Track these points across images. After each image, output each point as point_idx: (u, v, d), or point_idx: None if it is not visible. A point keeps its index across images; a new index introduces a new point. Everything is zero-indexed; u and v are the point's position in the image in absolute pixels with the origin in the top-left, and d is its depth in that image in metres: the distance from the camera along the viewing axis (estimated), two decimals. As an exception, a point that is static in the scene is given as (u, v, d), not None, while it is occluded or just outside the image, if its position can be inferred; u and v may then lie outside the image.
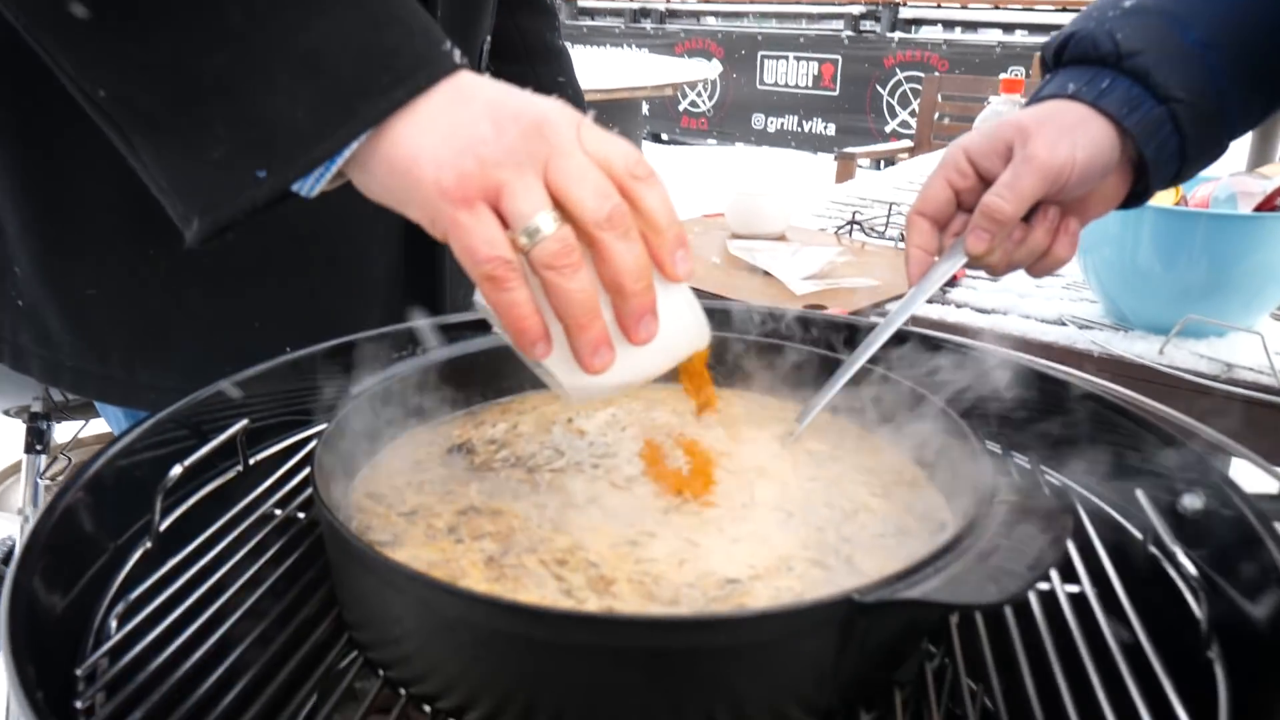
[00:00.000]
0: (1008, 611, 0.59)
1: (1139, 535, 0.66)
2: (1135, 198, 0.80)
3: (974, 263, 0.78)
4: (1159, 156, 0.74)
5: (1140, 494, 0.65)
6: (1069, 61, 0.77)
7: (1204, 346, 1.24)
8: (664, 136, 9.40)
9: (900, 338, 0.89)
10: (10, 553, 1.98)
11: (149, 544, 0.66)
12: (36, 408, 1.50)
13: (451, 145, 0.52)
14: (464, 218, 0.51)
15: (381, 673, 0.54)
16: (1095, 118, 0.73)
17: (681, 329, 0.59)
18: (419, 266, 0.99)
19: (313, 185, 0.55)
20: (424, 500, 0.65)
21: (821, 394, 0.74)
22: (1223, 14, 0.74)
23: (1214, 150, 0.78)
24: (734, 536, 0.60)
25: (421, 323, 0.89)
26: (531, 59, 1.22)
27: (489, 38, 1.01)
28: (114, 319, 0.90)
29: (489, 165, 0.51)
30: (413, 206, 0.54)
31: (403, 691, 0.52)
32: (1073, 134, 0.73)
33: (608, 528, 0.60)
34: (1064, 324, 1.36)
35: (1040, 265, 0.80)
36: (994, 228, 0.74)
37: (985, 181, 0.76)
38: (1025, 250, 0.78)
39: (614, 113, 5.87)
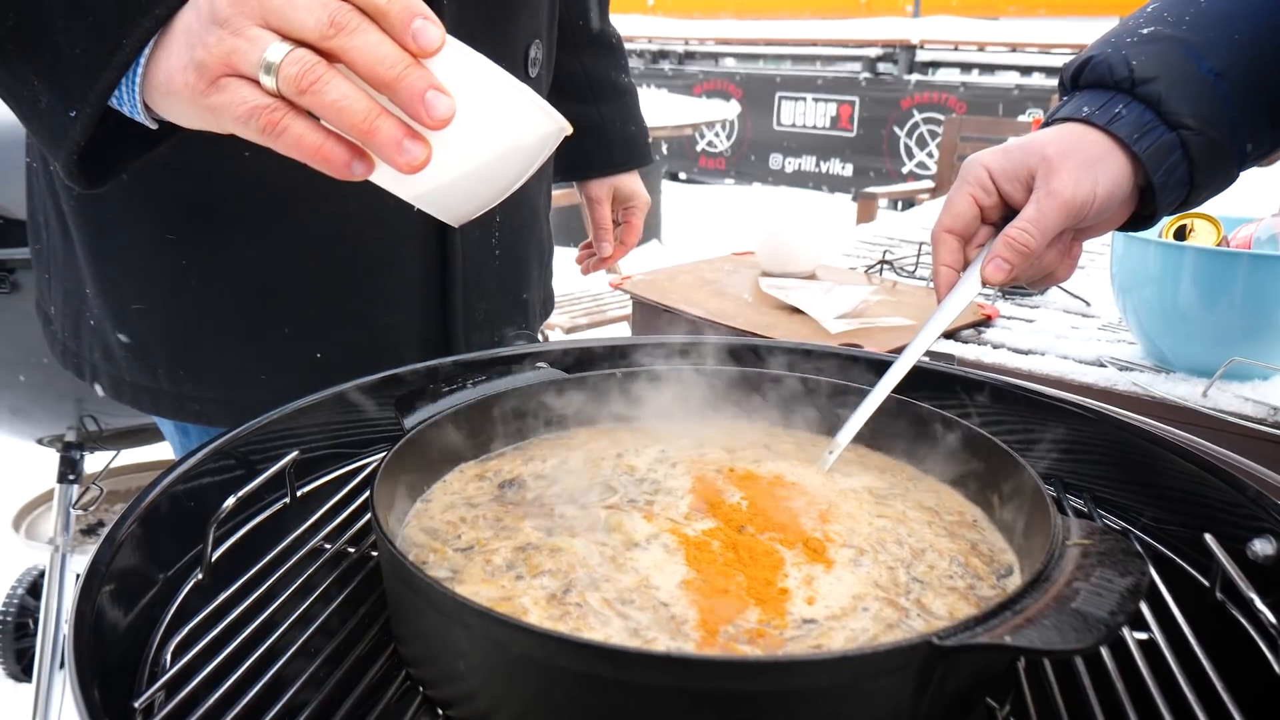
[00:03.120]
0: (1078, 660, 0.57)
1: (1204, 581, 0.65)
2: (1142, 220, 0.80)
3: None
4: (1167, 181, 0.74)
5: (1210, 538, 0.64)
6: (1085, 85, 0.78)
7: (1248, 389, 1.23)
8: (681, 175, 9.47)
9: (946, 381, 0.89)
10: (36, 583, 1.98)
11: (200, 575, 0.66)
12: (70, 437, 1.50)
13: (184, 47, 0.56)
14: (216, 98, 0.54)
15: (441, 712, 0.53)
16: (1115, 151, 0.73)
17: (501, 105, 0.55)
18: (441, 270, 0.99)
19: (132, 111, 0.60)
20: (479, 535, 0.65)
21: (853, 420, 0.74)
22: (1239, 45, 0.74)
23: (1223, 178, 0.78)
24: (808, 575, 0.59)
25: (468, 357, 0.89)
26: (597, 98, 1.24)
27: (536, 43, 1.00)
28: (158, 332, 0.91)
29: (210, 45, 0.54)
30: (201, 119, 0.57)
31: (463, 729, 0.51)
32: (1094, 169, 0.73)
33: (671, 566, 0.59)
34: (1103, 365, 1.35)
35: (1041, 283, 0.83)
36: (1017, 260, 0.74)
37: (1004, 202, 0.77)
38: (1033, 270, 0.79)
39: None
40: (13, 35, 0.60)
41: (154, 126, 0.62)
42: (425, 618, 0.52)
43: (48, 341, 0.99)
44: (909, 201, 4.90)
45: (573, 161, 1.25)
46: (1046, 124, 0.78)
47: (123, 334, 0.90)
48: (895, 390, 0.78)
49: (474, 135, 0.55)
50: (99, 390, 0.95)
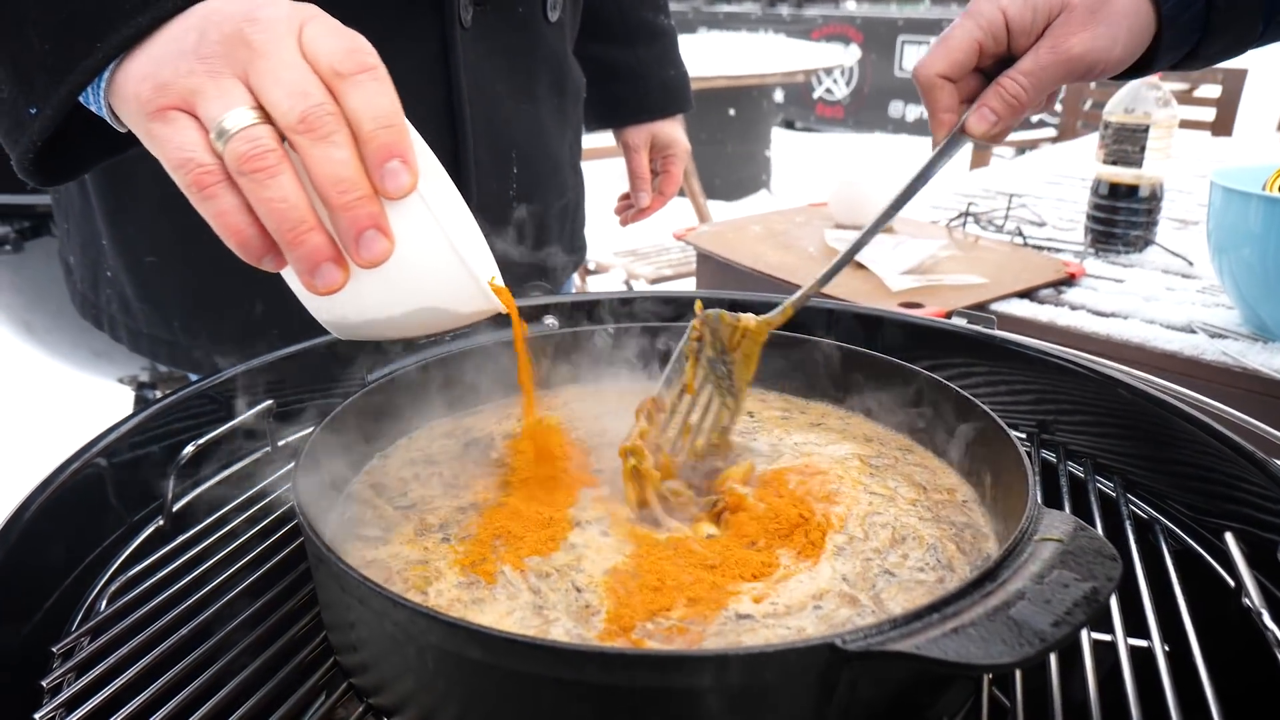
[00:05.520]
0: (1052, 670, 0.51)
1: (1233, 585, 0.57)
2: (1134, 69, 0.68)
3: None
4: (1178, 15, 0.63)
5: (1230, 539, 0.55)
6: None
7: (1359, 364, 1.08)
8: (798, 124, 9.19)
9: (977, 346, 0.81)
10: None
11: (161, 521, 0.66)
12: (144, 377, 1.57)
13: (155, 60, 0.50)
14: (157, 128, 0.48)
15: (349, 681, 0.51)
16: (1147, 5, 0.63)
17: (441, 272, 0.50)
18: None
19: (99, 109, 0.54)
20: (426, 493, 0.62)
21: (812, 284, 0.68)
22: None
23: (1241, 33, 0.65)
24: (784, 573, 0.54)
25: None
26: (633, 41, 1.18)
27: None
28: (171, 285, 0.92)
29: (182, 73, 0.48)
30: (143, 138, 0.51)
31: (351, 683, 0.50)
32: (1118, 27, 0.63)
33: (609, 552, 0.55)
34: (1193, 331, 1.22)
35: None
36: (1007, 114, 0.65)
37: (1010, 51, 0.66)
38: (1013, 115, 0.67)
39: (742, 98, 5.78)
40: None
41: (121, 129, 0.57)
42: (322, 583, 0.50)
43: (69, 291, 1.01)
44: (1032, 147, 4.58)
45: (608, 107, 1.20)
46: None
47: (138, 286, 0.92)
48: (897, 355, 0.72)
49: (401, 285, 0.50)
50: (122, 343, 0.97)
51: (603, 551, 0.55)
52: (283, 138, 0.47)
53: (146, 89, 0.49)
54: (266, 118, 0.47)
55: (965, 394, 0.64)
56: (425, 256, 0.50)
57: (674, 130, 1.21)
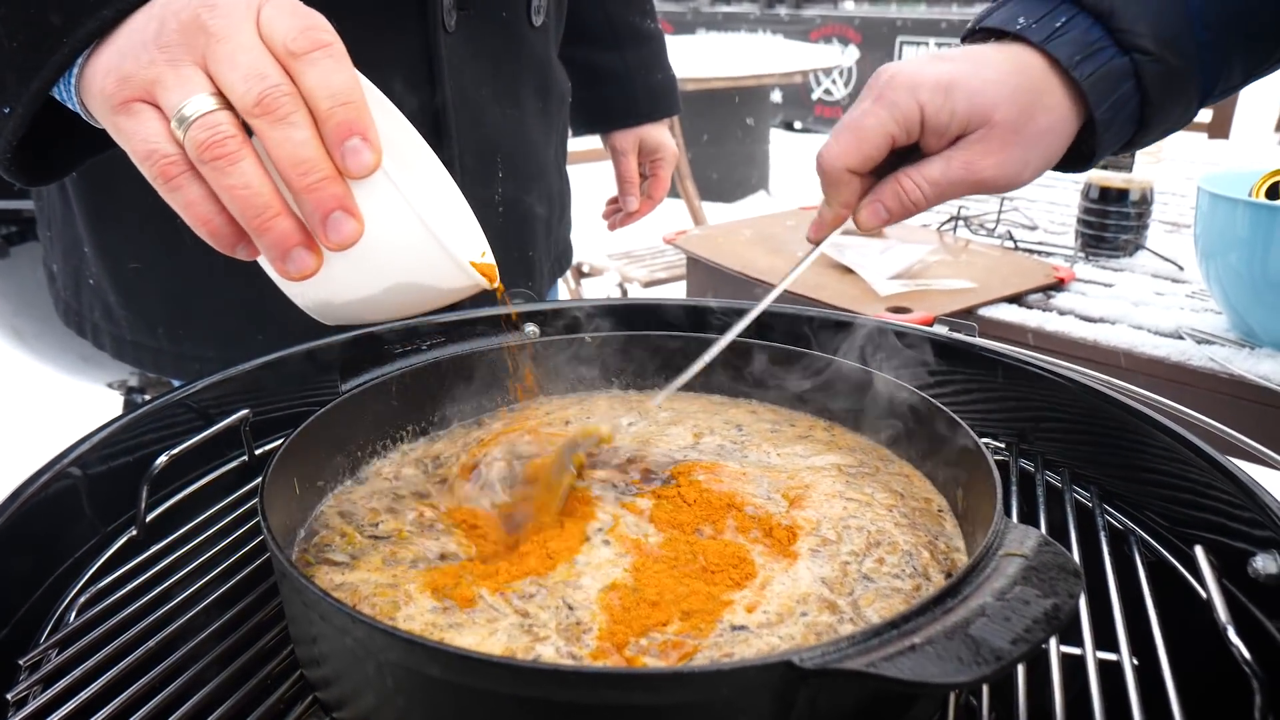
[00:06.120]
0: (1018, 683, 0.50)
1: (1205, 598, 0.56)
2: (1078, 160, 0.66)
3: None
4: (1113, 118, 0.61)
5: (1200, 551, 0.55)
6: None
7: (1345, 370, 1.08)
8: (796, 125, 9.19)
9: (956, 353, 0.81)
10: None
11: (134, 532, 0.66)
12: (133, 381, 1.57)
13: (119, 53, 0.50)
14: (122, 121, 0.48)
15: (315, 695, 0.51)
16: (1071, 113, 0.60)
17: (415, 248, 0.49)
18: None
19: (73, 105, 0.55)
20: (396, 525, 0.62)
21: (683, 374, 0.67)
22: None
23: (1179, 117, 0.63)
24: (765, 578, 0.54)
25: (450, 316, 0.86)
26: (620, 45, 1.18)
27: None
28: (156, 291, 0.92)
29: (144, 64, 0.48)
30: (112, 133, 0.50)
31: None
32: (1033, 150, 0.61)
33: (609, 568, 0.54)
34: (1181, 337, 1.22)
35: None
36: (899, 214, 0.64)
37: (917, 145, 0.64)
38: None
39: (740, 99, 5.77)
40: None
41: (98, 125, 0.56)
42: (286, 597, 0.49)
43: (52, 298, 1.01)
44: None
45: (595, 111, 1.20)
46: (971, 34, 0.65)
47: (121, 293, 0.92)
48: (874, 366, 0.72)
49: (376, 266, 0.49)
50: (106, 350, 0.97)
51: (601, 567, 0.55)
52: (245, 124, 0.47)
53: (111, 83, 0.49)
54: (227, 104, 0.46)
55: (938, 405, 0.63)
56: (397, 235, 0.49)
57: (661, 134, 1.21)
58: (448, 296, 0.53)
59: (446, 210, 0.62)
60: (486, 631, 0.49)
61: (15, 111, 0.55)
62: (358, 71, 0.52)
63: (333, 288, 0.50)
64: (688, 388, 0.75)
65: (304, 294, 0.52)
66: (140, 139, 0.47)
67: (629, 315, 0.87)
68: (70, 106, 0.55)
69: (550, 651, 0.48)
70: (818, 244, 0.68)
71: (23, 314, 1.48)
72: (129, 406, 1.65)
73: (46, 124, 0.57)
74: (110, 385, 1.62)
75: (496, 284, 0.57)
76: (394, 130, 0.59)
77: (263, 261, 0.50)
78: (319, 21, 0.48)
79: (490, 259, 0.62)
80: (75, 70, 0.53)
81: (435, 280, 0.51)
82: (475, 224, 0.64)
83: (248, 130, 0.47)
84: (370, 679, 0.44)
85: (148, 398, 1.66)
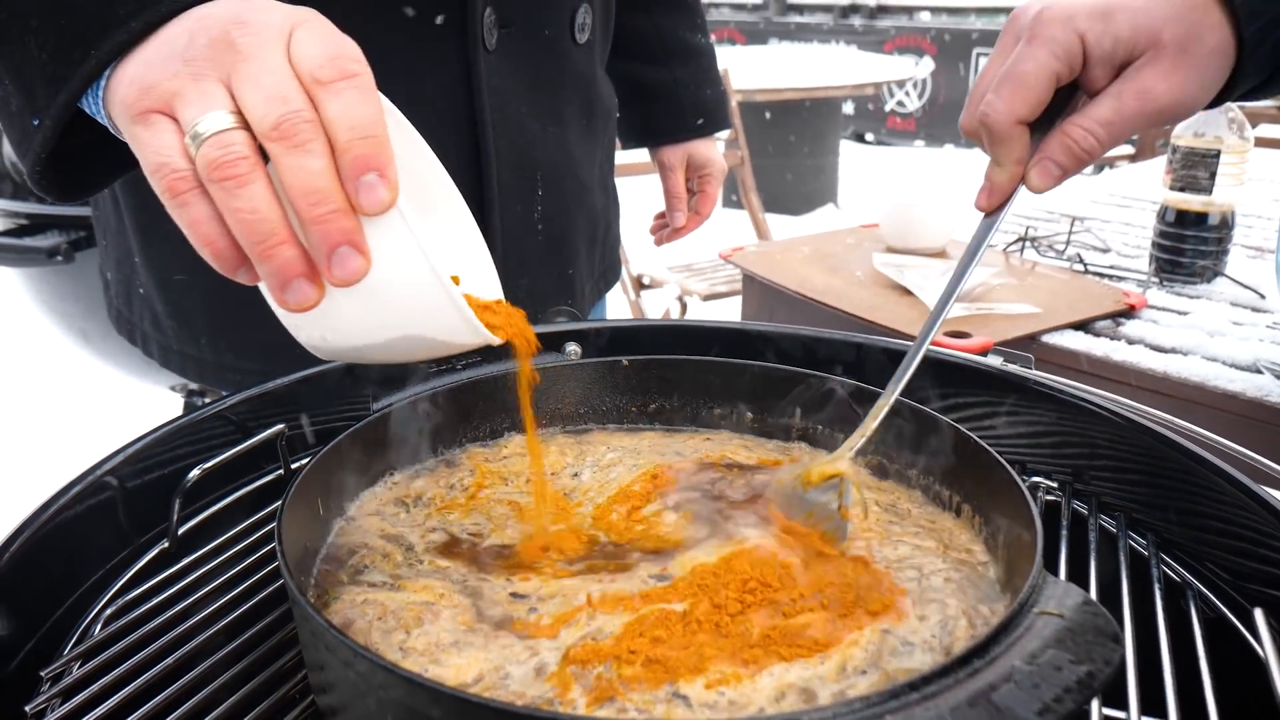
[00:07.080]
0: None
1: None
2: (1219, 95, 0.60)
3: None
4: (1260, 42, 0.55)
5: (1260, 615, 0.51)
6: None
7: None
8: (869, 137, 9.07)
9: (1009, 386, 0.77)
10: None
11: (166, 544, 0.67)
12: (194, 384, 1.60)
13: (146, 64, 0.49)
14: (138, 130, 0.47)
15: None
16: (1231, 36, 0.55)
17: (422, 298, 0.47)
18: None
19: (102, 117, 0.54)
20: (434, 538, 0.61)
21: (863, 424, 0.63)
22: None
23: None
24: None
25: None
26: (669, 60, 1.17)
27: (585, 7, 0.94)
28: (200, 303, 0.93)
29: (167, 76, 0.47)
30: (124, 135, 0.50)
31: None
32: (1206, 69, 0.56)
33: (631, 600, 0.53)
34: (1259, 371, 1.15)
35: None
36: (1073, 168, 0.58)
37: (1081, 84, 0.59)
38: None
39: (810, 110, 5.72)
40: None
41: (123, 137, 0.56)
42: (298, 624, 0.49)
43: (106, 305, 1.04)
44: (1110, 165, 4.42)
45: (643, 126, 1.19)
46: None
47: (167, 303, 0.93)
48: (926, 393, 0.69)
49: (378, 307, 0.48)
50: (154, 358, 0.99)
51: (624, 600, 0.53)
52: (262, 148, 0.46)
53: (133, 92, 0.49)
54: (246, 125, 0.46)
55: (984, 444, 0.60)
56: (404, 279, 0.47)
57: (710, 149, 1.20)
58: (451, 350, 0.52)
59: (463, 259, 0.61)
60: (516, 690, 0.48)
61: (44, 123, 0.56)
62: (390, 104, 0.51)
63: (331, 324, 0.49)
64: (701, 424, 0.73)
65: (300, 327, 0.51)
66: (153, 150, 0.47)
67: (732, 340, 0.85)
68: (100, 120, 0.55)
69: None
70: (993, 213, 0.62)
71: (90, 316, 1.52)
72: (188, 409, 1.69)
73: (77, 139, 0.57)
74: (173, 388, 1.66)
75: (522, 342, 0.55)
76: (418, 167, 0.58)
77: (263, 288, 0.50)
78: (350, 50, 0.47)
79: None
80: (103, 82, 0.53)
81: (439, 332, 0.49)
82: (494, 275, 0.62)
83: (264, 155, 0.46)
84: (372, 713, 0.44)
85: (207, 400, 1.71)
